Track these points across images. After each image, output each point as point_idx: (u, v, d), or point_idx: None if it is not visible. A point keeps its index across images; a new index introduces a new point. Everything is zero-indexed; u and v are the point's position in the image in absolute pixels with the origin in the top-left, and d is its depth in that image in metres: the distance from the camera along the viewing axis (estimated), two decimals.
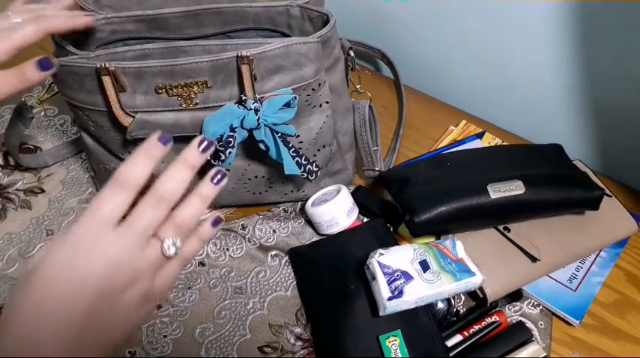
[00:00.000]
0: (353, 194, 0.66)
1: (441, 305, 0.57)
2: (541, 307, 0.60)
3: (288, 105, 0.51)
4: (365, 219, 0.66)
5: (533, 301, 0.60)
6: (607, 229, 0.62)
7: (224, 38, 0.59)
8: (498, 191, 0.57)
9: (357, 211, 0.64)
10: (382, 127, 0.75)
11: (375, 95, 0.79)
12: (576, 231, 0.61)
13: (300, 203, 0.68)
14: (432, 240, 0.62)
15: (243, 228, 0.67)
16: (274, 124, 0.51)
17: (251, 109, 0.50)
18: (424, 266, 0.54)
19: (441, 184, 0.58)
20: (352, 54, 0.60)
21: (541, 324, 0.58)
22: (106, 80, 0.50)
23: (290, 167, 0.53)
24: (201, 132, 0.52)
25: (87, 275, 0.31)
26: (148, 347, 0.57)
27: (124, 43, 0.58)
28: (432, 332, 0.54)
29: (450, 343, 0.55)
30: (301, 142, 0.57)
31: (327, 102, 0.56)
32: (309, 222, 0.66)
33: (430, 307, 0.56)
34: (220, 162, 0.50)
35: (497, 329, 0.57)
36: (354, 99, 0.62)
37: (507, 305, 0.60)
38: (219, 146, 0.51)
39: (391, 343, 0.52)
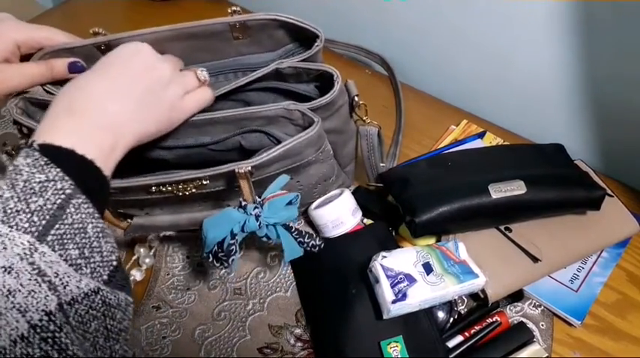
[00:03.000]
0: (352, 194, 0.65)
1: (441, 314, 0.57)
2: (542, 307, 0.59)
3: (290, 203, 0.50)
4: (365, 220, 0.66)
5: (534, 301, 0.60)
6: (608, 229, 0.62)
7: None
8: (499, 191, 0.57)
9: (361, 212, 0.64)
10: (384, 128, 0.74)
11: (375, 94, 0.79)
12: (578, 232, 0.61)
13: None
14: (432, 240, 0.62)
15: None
16: (276, 223, 0.50)
17: (251, 215, 0.48)
18: (427, 268, 0.53)
19: (442, 184, 0.58)
20: (357, 99, 0.55)
21: (542, 325, 0.58)
22: None
23: (291, 253, 0.51)
24: (200, 233, 0.51)
25: (141, 75, 0.43)
26: (147, 348, 0.57)
27: None
28: (434, 338, 0.53)
29: (450, 344, 0.55)
30: (301, 186, 0.55)
31: (328, 157, 0.54)
32: (309, 223, 0.66)
33: (432, 314, 0.56)
34: (223, 268, 0.49)
35: (499, 330, 0.56)
36: (361, 125, 0.58)
37: (508, 306, 0.60)
38: (221, 255, 0.49)
39: (392, 349, 0.52)
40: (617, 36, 0.62)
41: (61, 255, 0.32)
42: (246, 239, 0.51)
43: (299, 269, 0.62)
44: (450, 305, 0.58)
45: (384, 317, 0.52)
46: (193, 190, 0.49)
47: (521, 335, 0.56)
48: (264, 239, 0.50)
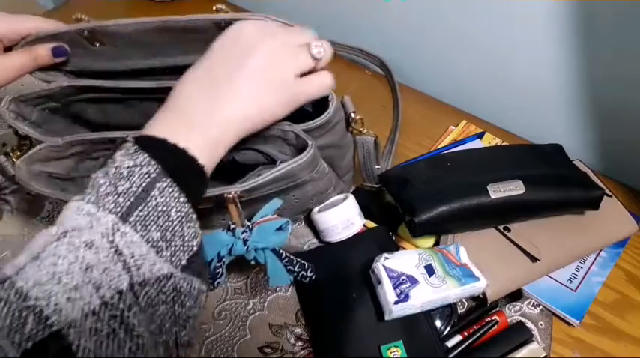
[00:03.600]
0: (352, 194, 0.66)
1: (439, 323, 0.57)
2: (541, 307, 0.60)
3: (280, 228, 0.49)
4: (365, 221, 0.66)
5: (533, 301, 0.60)
6: (607, 229, 0.62)
7: None
8: (498, 191, 0.57)
9: (363, 215, 0.64)
10: (382, 127, 0.75)
11: (375, 95, 0.79)
12: (576, 231, 0.61)
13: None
14: (432, 239, 0.62)
15: None
16: (265, 248, 0.49)
17: (239, 238, 0.48)
18: (429, 270, 0.54)
19: (441, 184, 0.58)
20: (354, 115, 0.55)
21: (541, 324, 0.58)
22: None
23: (276, 280, 0.50)
24: None
25: (238, 60, 0.42)
26: None
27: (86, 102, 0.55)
28: (434, 343, 0.54)
29: (449, 343, 0.55)
30: (297, 200, 0.55)
31: (324, 174, 0.54)
32: (309, 223, 0.66)
33: (432, 319, 0.56)
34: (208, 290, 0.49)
35: (497, 329, 0.57)
36: (357, 135, 0.58)
37: (507, 305, 0.60)
38: (207, 276, 0.49)
39: (393, 353, 0.52)
40: (616, 36, 0.62)
41: (142, 236, 0.33)
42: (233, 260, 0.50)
43: None
44: (448, 313, 0.58)
45: (386, 318, 0.52)
46: None
47: (519, 334, 0.56)
48: (252, 262, 0.49)
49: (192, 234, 0.36)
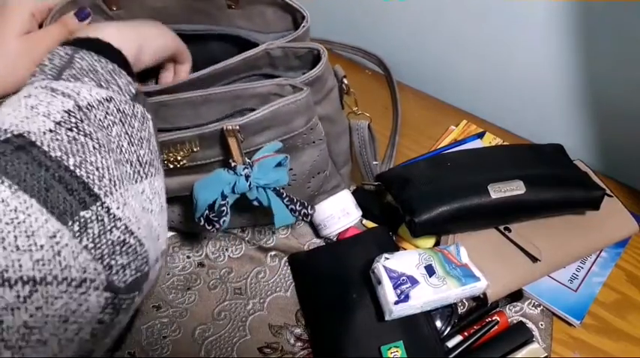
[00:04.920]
0: (352, 194, 0.65)
1: (439, 323, 0.57)
2: (542, 307, 0.59)
3: (279, 164, 0.50)
4: (365, 221, 0.66)
5: (533, 301, 0.60)
6: (608, 229, 0.62)
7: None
8: (499, 191, 0.57)
9: (361, 211, 0.64)
10: (384, 127, 0.74)
11: (375, 95, 0.79)
12: (577, 231, 0.61)
13: None
14: (432, 240, 0.62)
15: (242, 230, 0.66)
16: (266, 185, 0.50)
17: (241, 175, 0.49)
18: (430, 270, 0.53)
19: (442, 184, 0.58)
20: (346, 81, 0.57)
21: (542, 324, 0.58)
22: None
23: (281, 219, 0.51)
24: (192, 196, 0.51)
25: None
26: (147, 347, 0.57)
27: None
28: (434, 343, 0.53)
29: (450, 344, 0.55)
30: (294, 175, 0.55)
31: (320, 139, 0.54)
32: (310, 223, 0.66)
33: (432, 319, 0.56)
34: (215, 230, 0.49)
35: (498, 329, 0.56)
36: (352, 118, 0.60)
37: (508, 306, 0.60)
38: (213, 216, 0.49)
39: (393, 353, 0.52)
40: (616, 36, 0.62)
41: (76, 85, 0.37)
42: (237, 203, 0.51)
43: (299, 272, 0.62)
44: (449, 314, 0.58)
45: (387, 318, 0.52)
46: (184, 161, 0.50)
47: (520, 334, 0.56)
48: (255, 203, 0.50)
49: (126, 82, 0.40)
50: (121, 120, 0.38)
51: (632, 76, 0.64)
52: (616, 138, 0.73)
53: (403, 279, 0.52)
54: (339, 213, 0.62)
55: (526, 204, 0.58)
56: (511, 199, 0.57)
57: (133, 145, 0.38)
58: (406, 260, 0.54)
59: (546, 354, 0.55)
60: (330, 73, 0.54)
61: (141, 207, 0.36)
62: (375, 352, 0.53)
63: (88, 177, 0.32)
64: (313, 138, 0.53)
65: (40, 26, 0.51)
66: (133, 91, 0.40)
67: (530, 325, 0.58)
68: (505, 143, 0.74)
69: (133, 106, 0.39)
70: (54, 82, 0.37)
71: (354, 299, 0.56)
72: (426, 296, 0.51)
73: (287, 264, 0.63)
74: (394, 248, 0.61)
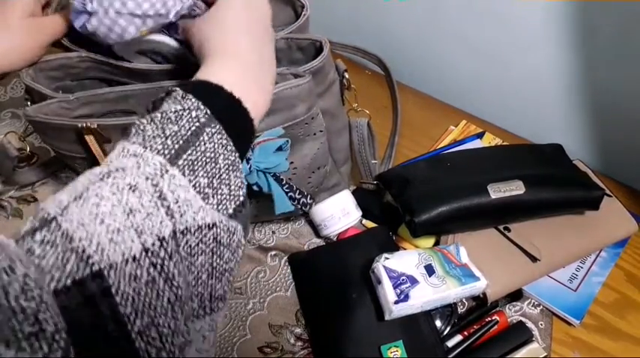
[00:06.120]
0: (352, 194, 0.66)
1: (439, 323, 0.57)
2: (541, 307, 0.59)
3: (280, 148, 0.50)
4: (365, 221, 0.66)
5: (533, 301, 0.60)
6: (607, 229, 0.62)
7: None
8: (498, 191, 0.57)
9: (361, 211, 0.64)
10: (383, 127, 0.74)
11: (375, 95, 0.78)
12: (576, 231, 0.61)
13: None
14: (432, 240, 0.62)
15: None
16: (266, 169, 0.50)
17: None
18: (429, 270, 0.54)
19: (441, 184, 0.58)
20: (347, 76, 0.57)
21: (541, 324, 0.58)
22: (90, 139, 0.49)
23: (281, 206, 0.51)
24: None
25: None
26: None
27: (99, 81, 0.56)
28: (434, 343, 0.54)
29: (450, 343, 0.55)
30: (295, 168, 0.55)
31: (321, 131, 0.55)
32: (310, 223, 0.66)
33: (432, 319, 0.56)
34: None
35: (497, 329, 0.56)
36: (352, 116, 0.60)
37: (507, 305, 0.60)
38: None
39: (393, 353, 0.52)
40: (616, 36, 0.62)
41: (190, 181, 0.32)
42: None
43: (299, 272, 0.62)
44: (448, 313, 0.58)
45: (386, 318, 0.52)
46: None
47: (520, 334, 0.56)
48: (255, 188, 0.50)
49: (239, 184, 0.35)
50: (212, 250, 0.33)
51: (632, 76, 0.64)
52: (615, 138, 0.73)
53: (403, 279, 0.52)
54: (339, 213, 0.62)
55: (526, 204, 0.58)
56: (511, 199, 0.57)
57: (212, 278, 0.33)
58: (406, 260, 0.54)
59: (546, 354, 0.55)
60: (331, 66, 0.55)
61: (194, 349, 0.32)
62: (375, 351, 0.53)
63: (145, 350, 0.28)
64: (314, 129, 0.54)
65: (44, 7, 0.51)
66: (242, 198, 0.35)
67: (529, 325, 0.58)
68: (505, 143, 0.74)
69: (232, 234, 0.34)
70: (171, 169, 0.32)
71: (354, 298, 0.56)
72: (426, 295, 0.52)
73: (287, 263, 0.63)
74: (394, 248, 0.61)
